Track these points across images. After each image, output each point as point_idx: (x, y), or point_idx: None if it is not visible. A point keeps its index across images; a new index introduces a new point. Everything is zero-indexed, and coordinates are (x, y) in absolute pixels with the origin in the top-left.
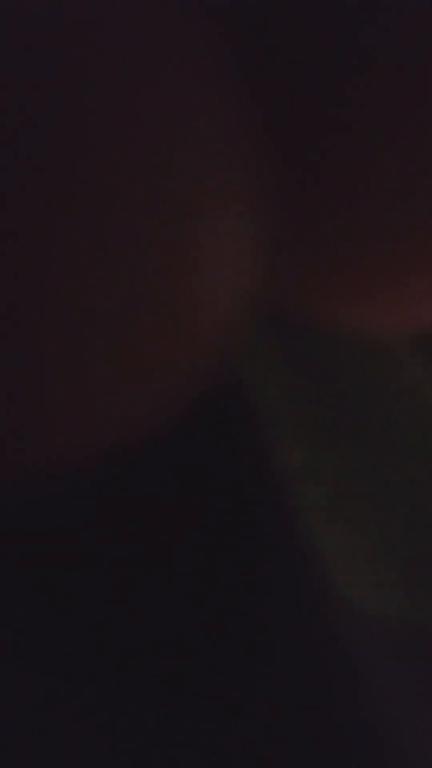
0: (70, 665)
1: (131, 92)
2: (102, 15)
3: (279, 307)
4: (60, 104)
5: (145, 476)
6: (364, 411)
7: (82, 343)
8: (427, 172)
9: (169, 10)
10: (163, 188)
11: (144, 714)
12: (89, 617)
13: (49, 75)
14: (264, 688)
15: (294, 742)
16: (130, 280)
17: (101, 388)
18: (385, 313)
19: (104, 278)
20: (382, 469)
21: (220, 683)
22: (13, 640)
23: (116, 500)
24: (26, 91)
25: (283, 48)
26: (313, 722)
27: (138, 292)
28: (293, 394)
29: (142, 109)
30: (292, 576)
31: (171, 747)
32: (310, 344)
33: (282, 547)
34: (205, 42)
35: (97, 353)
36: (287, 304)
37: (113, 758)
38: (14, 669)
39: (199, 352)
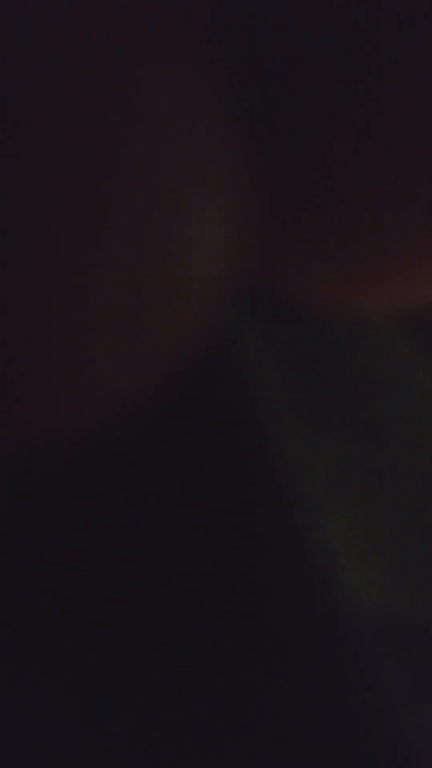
0: (68, 644)
1: (124, 81)
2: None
3: (272, 288)
4: (56, 88)
5: (139, 453)
6: (358, 395)
7: (79, 318)
8: (424, 156)
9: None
10: (156, 167)
11: (145, 704)
12: (90, 594)
13: (47, 56)
14: (263, 680)
15: (295, 738)
16: (125, 258)
17: (97, 363)
18: (378, 295)
19: (101, 255)
20: (377, 456)
21: (218, 673)
22: (11, 622)
23: (111, 476)
24: (25, 72)
25: (273, 33)
26: (314, 717)
27: (133, 268)
28: (285, 376)
29: (134, 94)
30: (289, 564)
31: (173, 739)
32: (302, 326)
33: (278, 534)
34: (195, 32)
35: (93, 329)
36: (280, 285)
37: (114, 755)
38: (11, 653)
39: (192, 328)
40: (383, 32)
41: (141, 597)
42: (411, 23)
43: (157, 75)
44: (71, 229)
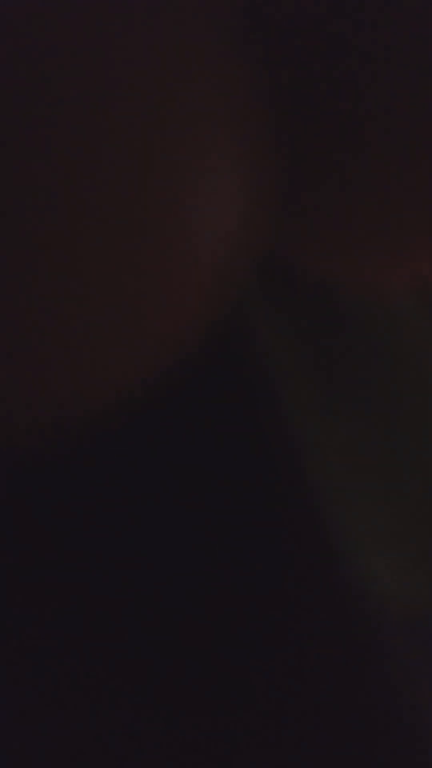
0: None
1: (131, 39)
2: None
3: (282, 264)
4: (58, 41)
5: (145, 431)
6: (368, 373)
7: (80, 295)
8: (428, 128)
9: None
10: (162, 134)
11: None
12: (92, 582)
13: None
14: (282, 668)
15: (313, 722)
16: (129, 228)
17: (99, 338)
18: (388, 270)
19: (103, 227)
20: (394, 435)
21: (236, 660)
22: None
23: (116, 455)
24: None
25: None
26: (331, 701)
27: (138, 239)
28: (298, 353)
29: (141, 55)
30: (307, 551)
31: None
32: (316, 303)
33: (296, 521)
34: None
35: (97, 303)
36: (291, 260)
37: (115, 755)
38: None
39: (202, 303)
40: (394, 11)
41: (148, 580)
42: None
43: (169, 37)
44: (71, 197)
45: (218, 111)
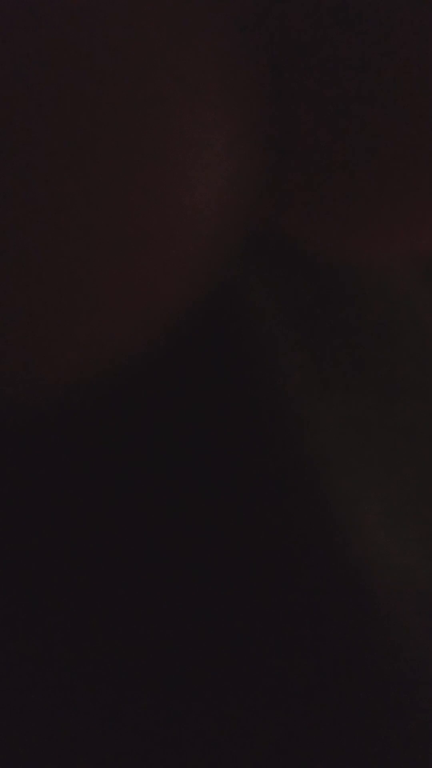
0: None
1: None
2: None
3: (278, 237)
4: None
5: (138, 401)
6: (366, 347)
7: (79, 254)
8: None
9: None
10: (160, 99)
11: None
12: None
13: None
14: (287, 650)
15: (323, 711)
16: (126, 191)
17: (98, 299)
18: (385, 242)
19: (100, 189)
20: (393, 407)
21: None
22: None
23: (112, 418)
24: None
25: None
26: (342, 687)
27: (134, 202)
28: (293, 323)
29: (139, 25)
30: (307, 527)
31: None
32: (311, 273)
33: (295, 496)
34: None
35: (93, 264)
36: (286, 233)
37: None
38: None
39: (196, 266)
40: None
41: (140, 515)
42: None
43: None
44: (71, 154)
45: (214, 75)
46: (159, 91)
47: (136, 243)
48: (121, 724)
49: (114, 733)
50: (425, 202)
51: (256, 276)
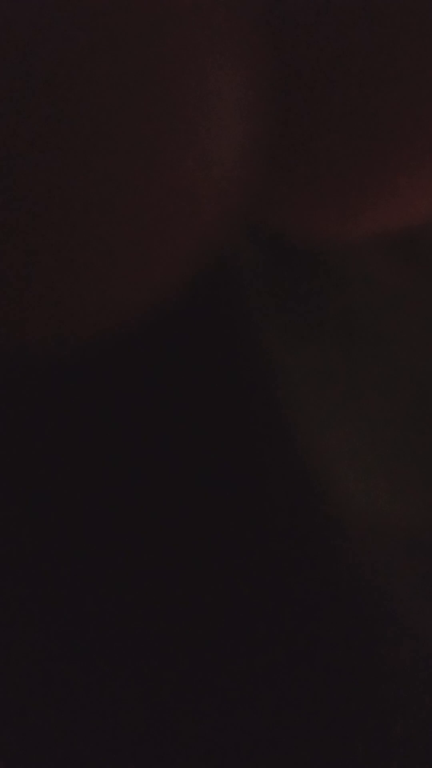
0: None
1: None
2: None
3: (270, 219)
4: None
5: (138, 370)
6: (353, 319)
7: (80, 226)
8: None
9: None
10: (161, 82)
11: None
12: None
13: None
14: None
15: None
16: (127, 170)
17: (97, 271)
18: (362, 224)
19: (102, 169)
20: (374, 362)
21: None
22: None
23: (111, 391)
24: None
25: None
26: (320, 632)
27: (136, 180)
28: (281, 301)
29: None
30: (286, 475)
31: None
32: (299, 257)
33: (274, 445)
34: None
35: (93, 237)
36: (278, 217)
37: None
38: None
39: (192, 248)
40: None
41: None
42: None
43: None
44: (71, 135)
45: (217, 58)
46: (162, 77)
47: (141, 215)
48: (121, 714)
49: (114, 729)
50: (400, 184)
51: (248, 263)
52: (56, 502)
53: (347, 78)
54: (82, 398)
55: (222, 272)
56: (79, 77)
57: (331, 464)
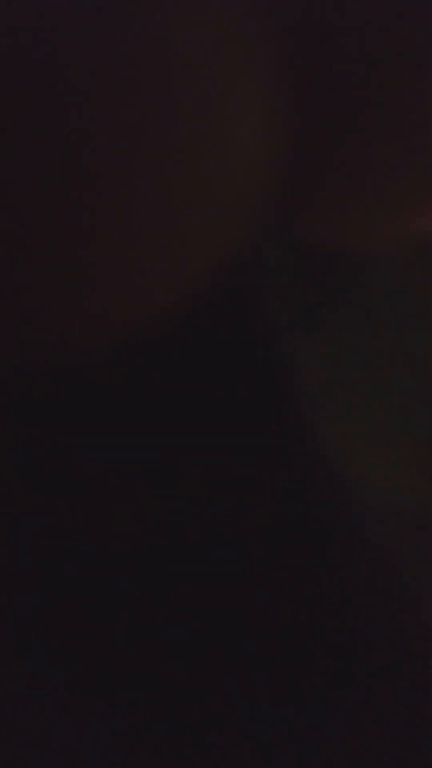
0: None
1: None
2: None
3: (287, 227)
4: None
5: (157, 365)
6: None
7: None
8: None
9: None
10: (188, 94)
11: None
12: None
13: None
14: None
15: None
16: (153, 171)
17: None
18: (388, 227)
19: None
20: (381, 350)
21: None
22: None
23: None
24: None
25: None
26: (333, 606)
27: (161, 181)
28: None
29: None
30: (297, 460)
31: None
32: (314, 262)
33: (286, 429)
34: None
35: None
36: (305, 220)
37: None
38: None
39: (219, 245)
40: None
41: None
42: None
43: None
44: (97, 142)
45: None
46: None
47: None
48: (123, 705)
49: (115, 724)
50: (424, 188)
51: (268, 262)
52: (90, 494)
53: (376, 86)
54: (109, 389)
55: (245, 271)
56: (108, 87)
57: (349, 451)
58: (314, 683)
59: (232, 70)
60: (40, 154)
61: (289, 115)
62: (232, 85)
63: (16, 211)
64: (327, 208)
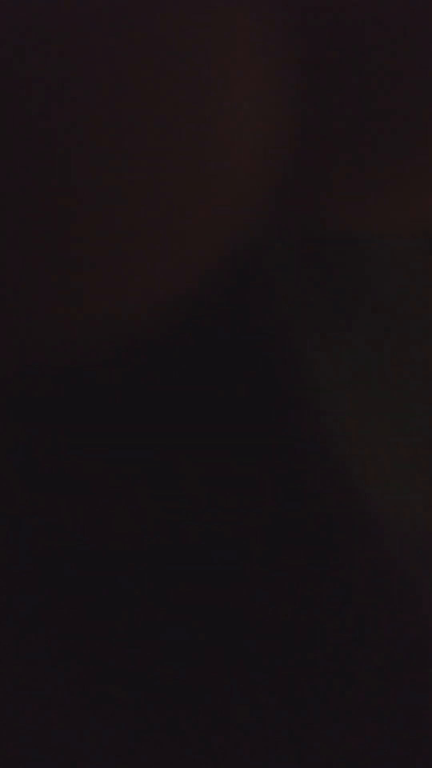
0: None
1: None
2: None
3: (295, 212)
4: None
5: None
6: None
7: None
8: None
9: None
10: (194, 83)
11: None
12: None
13: None
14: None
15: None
16: (161, 160)
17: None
18: (395, 211)
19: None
20: (397, 360)
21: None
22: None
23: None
24: None
25: None
26: (343, 626)
27: (168, 169)
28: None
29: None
30: (317, 476)
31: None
32: (322, 243)
33: (306, 444)
34: None
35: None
36: (301, 203)
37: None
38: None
39: (222, 235)
40: None
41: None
42: None
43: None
44: (104, 137)
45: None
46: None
47: (183, 181)
48: (124, 701)
49: (116, 722)
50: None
51: (276, 248)
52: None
53: (388, 76)
54: (120, 383)
55: (255, 259)
56: (111, 84)
57: (352, 453)
58: (314, 683)
59: (232, 58)
60: (39, 151)
61: (291, 104)
62: (232, 73)
63: (15, 210)
64: (331, 193)
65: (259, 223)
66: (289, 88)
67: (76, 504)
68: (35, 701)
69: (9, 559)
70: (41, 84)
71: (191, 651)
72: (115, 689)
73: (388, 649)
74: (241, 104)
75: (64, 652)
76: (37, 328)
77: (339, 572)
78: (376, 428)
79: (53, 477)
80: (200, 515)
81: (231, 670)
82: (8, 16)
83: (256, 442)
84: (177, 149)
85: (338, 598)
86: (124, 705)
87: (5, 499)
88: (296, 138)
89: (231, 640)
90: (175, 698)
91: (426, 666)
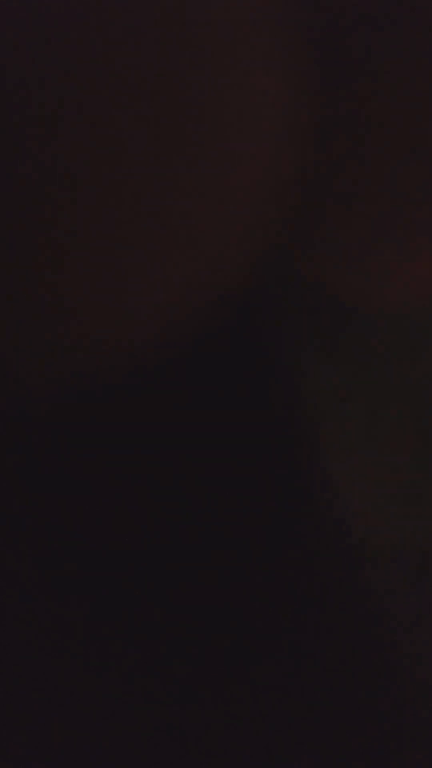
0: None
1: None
2: None
3: (297, 275)
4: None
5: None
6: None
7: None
8: None
9: None
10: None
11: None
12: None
13: None
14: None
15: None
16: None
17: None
18: (395, 277)
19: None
20: (384, 384)
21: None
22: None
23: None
24: None
25: None
26: (322, 645)
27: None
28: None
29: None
30: (293, 492)
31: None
32: (325, 309)
33: (283, 460)
34: None
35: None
36: (304, 272)
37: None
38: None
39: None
40: None
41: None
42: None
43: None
44: (114, 144)
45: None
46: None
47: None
48: (124, 699)
49: (116, 720)
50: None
51: (279, 303)
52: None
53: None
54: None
55: (250, 295)
56: (128, 85)
57: (351, 485)
58: (314, 683)
59: (240, 63)
60: (39, 164)
61: (296, 145)
62: (241, 80)
63: (17, 222)
64: (350, 261)
65: (260, 260)
66: (297, 102)
67: (75, 504)
68: (35, 701)
69: (9, 558)
70: (44, 88)
71: (191, 651)
72: (115, 689)
73: (388, 648)
74: (246, 116)
75: (64, 651)
76: (37, 345)
77: (335, 579)
78: (375, 454)
79: (53, 477)
80: (198, 533)
81: (231, 670)
82: (11, 15)
83: (255, 462)
84: (181, 165)
85: (336, 599)
86: (124, 705)
87: (7, 511)
88: (298, 180)
89: (231, 640)
90: (174, 698)
91: (426, 664)
